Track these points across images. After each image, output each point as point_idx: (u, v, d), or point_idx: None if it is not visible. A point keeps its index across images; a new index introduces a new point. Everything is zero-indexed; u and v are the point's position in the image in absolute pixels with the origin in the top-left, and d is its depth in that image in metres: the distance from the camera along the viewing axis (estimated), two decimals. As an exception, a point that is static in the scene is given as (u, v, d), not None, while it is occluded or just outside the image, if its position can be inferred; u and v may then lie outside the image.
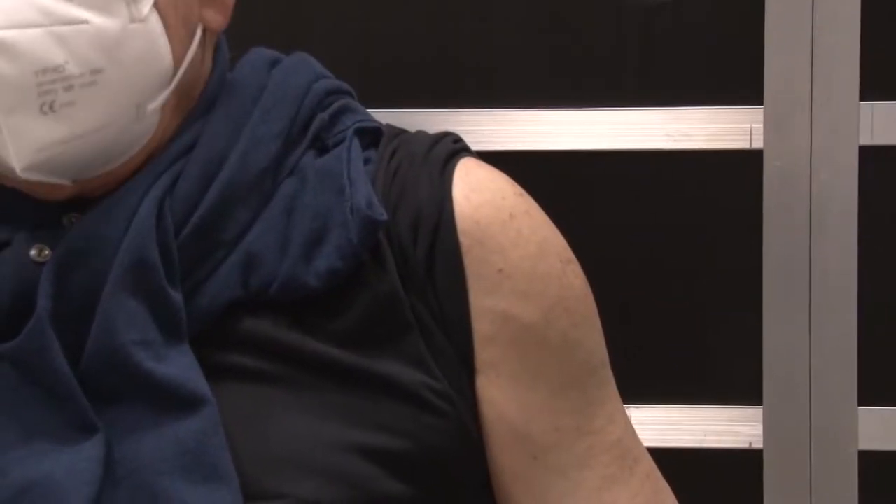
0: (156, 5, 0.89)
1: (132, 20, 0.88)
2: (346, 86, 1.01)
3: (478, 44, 1.91)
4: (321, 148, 0.97)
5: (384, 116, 1.01)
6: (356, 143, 0.96)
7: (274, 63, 0.99)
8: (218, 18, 0.96)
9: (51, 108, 0.86)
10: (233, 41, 1.00)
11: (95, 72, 0.87)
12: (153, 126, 0.92)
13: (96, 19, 0.87)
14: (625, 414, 0.99)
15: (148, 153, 0.93)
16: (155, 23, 0.90)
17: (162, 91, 0.91)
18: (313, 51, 1.02)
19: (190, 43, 0.93)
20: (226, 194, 0.92)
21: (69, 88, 0.86)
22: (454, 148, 0.97)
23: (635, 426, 1.00)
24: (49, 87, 0.86)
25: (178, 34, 0.91)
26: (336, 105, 0.98)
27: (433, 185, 0.94)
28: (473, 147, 1.00)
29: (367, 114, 1.00)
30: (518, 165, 1.04)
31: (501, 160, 1.01)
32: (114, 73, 0.88)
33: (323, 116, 0.97)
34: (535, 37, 1.90)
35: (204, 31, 0.95)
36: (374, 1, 1.91)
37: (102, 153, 0.90)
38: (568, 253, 0.97)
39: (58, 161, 0.88)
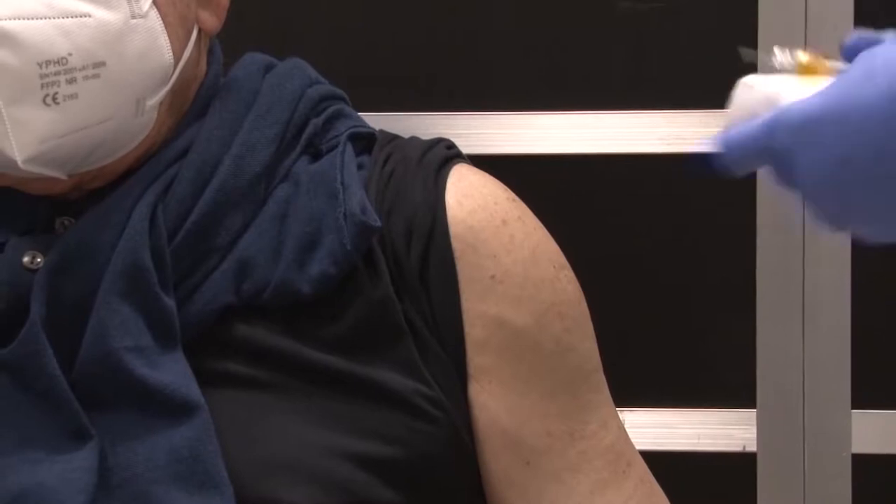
0: (155, 3, 0.90)
1: (133, 16, 0.89)
2: (339, 91, 1.01)
3: (470, 48, 1.90)
4: (314, 153, 0.97)
5: (376, 121, 1.01)
6: (349, 148, 0.96)
7: (268, 68, 0.99)
8: (212, 20, 0.96)
9: (53, 100, 0.86)
10: (226, 46, 1.00)
11: (98, 65, 0.87)
12: (151, 122, 0.92)
13: (98, 13, 0.87)
14: (618, 418, 0.99)
15: (143, 150, 0.93)
16: (155, 19, 0.90)
17: (161, 87, 0.92)
18: (306, 56, 1.02)
19: (187, 42, 0.94)
20: (219, 200, 0.92)
21: (72, 81, 0.87)
22: (447, 154, 0.98)
23: (629, 429, 1.00)
24: (52, 79, 0.86)
25: (175, 32, 0.92)
26: (330, 111, 0.98)
27: (427, 190, 0.94)
28: (466, 151, 1.00)
29: (361, 119, 1.00)
30: (511, 169, 1.04)
31: (494, 164, 1.01)
32: (116, 67, 0.88)
33: (317, 122, 0.97)
34: (528, 40, 1.89)
35: (199, 32, 0.95)
36: (367, 7, 1.90)
37: (101, 146, 0.91)
38: (561, 258, 0.97)
39: (58, 153, 0.89)
